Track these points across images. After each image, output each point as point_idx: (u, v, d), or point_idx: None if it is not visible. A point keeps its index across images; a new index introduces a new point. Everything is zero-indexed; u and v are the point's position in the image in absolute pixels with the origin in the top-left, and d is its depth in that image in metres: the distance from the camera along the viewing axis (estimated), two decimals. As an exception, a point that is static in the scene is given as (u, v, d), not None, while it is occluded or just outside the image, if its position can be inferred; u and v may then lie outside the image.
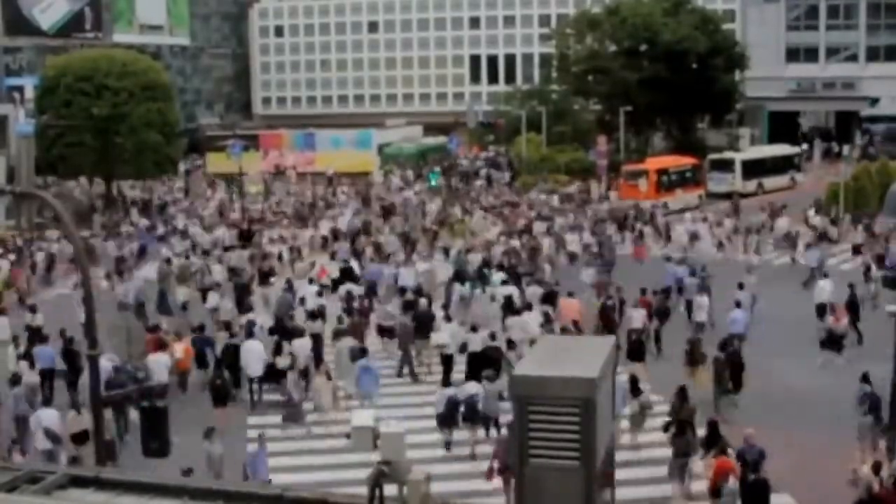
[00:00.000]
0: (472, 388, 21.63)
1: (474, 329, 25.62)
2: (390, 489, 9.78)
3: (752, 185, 59.88)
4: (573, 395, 7.60)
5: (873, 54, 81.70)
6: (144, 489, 8.89)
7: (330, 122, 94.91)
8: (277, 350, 25.06)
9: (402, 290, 31.52)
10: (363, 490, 9.85)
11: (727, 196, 56.56)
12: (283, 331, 26.65)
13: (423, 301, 28.93)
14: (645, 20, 69.95)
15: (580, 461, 7.59)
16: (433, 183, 64.50)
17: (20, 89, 68.83)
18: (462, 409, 21.20)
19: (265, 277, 35.13)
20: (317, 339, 26.46)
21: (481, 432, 21.37)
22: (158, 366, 23.85)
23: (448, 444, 21.36)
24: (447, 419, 21.32)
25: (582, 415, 7.57)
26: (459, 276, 33.32)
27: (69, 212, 34.15)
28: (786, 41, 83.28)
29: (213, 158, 74.51)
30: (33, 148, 56.18)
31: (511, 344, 24.66)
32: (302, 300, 29.63)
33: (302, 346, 25.22)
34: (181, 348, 25.53)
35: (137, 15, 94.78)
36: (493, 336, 25.24)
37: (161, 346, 25.12)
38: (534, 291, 30.39)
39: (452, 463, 20.31)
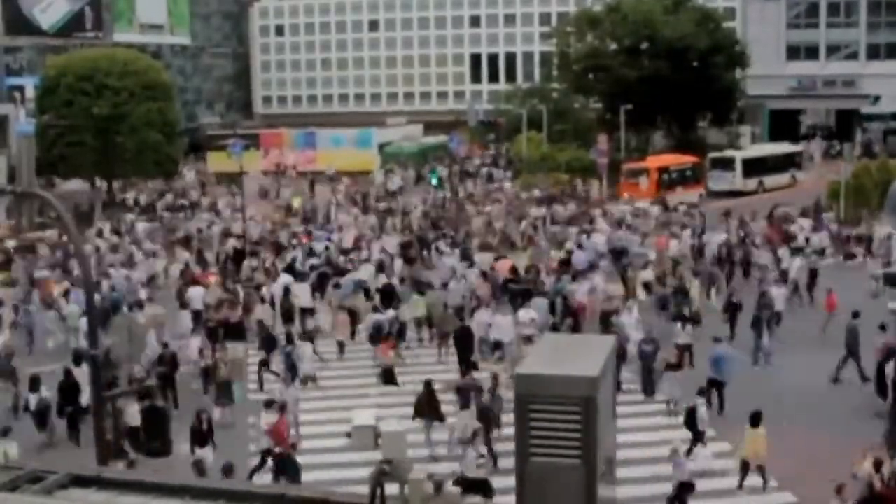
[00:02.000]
0: (392, 312, 29.09)
1: (381, 269, 34.21)
2: (392, 488, 9.80)
3: (752, 184, 59.91)
4: (574, 394, 7.61)
5: (874, 52, 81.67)
6: (146, 489, 8.89)
7: (331, 120, 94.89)
8: (286, 293, 31.11)
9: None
10: (365, 489, 9.87)
11: (728, 195, 56.70)
12: (295, 274, 33.69)
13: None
14: (645, 18, 69.95)
15: (581, 460, 7.60)
16: (434, 182, 64.55)
17: (21, 89, 68.87)
18: (387, 327, 27.87)
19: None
20: (322, 279, 33.05)
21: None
22: (194, 297, 30.67)
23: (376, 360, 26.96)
24: (375, 337, 27.45)
25: (583, 413, 7.58)
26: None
27: (70, 212, 34.18)
28: (786, 39, 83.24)
29: (214, 158, 74.56)
30: (34, 148, 56.20)
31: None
32: (311, 252, 38.02)
33: (302, 288, 31.42)
34: (214, 280, 33.62)
35: (138, 14, 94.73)
36: (389, 276, 33.69)
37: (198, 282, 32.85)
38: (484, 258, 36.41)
39: (453, 462, 20.31)
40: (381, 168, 73.01)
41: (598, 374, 7.76)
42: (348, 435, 21.28)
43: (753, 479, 19.59)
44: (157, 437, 19.75)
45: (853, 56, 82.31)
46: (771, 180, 61.03)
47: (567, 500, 7.63)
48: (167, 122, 60.11)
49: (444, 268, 34.93)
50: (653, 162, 59.15)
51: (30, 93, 66.00)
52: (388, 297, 31.00)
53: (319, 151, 75.79)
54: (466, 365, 24.94)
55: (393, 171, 70.99)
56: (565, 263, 34.88)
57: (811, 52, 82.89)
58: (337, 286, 31.73)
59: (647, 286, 32.95)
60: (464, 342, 26.36)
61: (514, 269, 33.97)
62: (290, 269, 34.79)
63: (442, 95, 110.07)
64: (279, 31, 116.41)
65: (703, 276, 33.51)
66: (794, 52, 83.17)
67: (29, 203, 51.47)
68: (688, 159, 59.84)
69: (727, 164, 61.05)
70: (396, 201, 56.61)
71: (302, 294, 30.97)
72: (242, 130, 77.82)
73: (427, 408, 21.22)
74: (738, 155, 62.94)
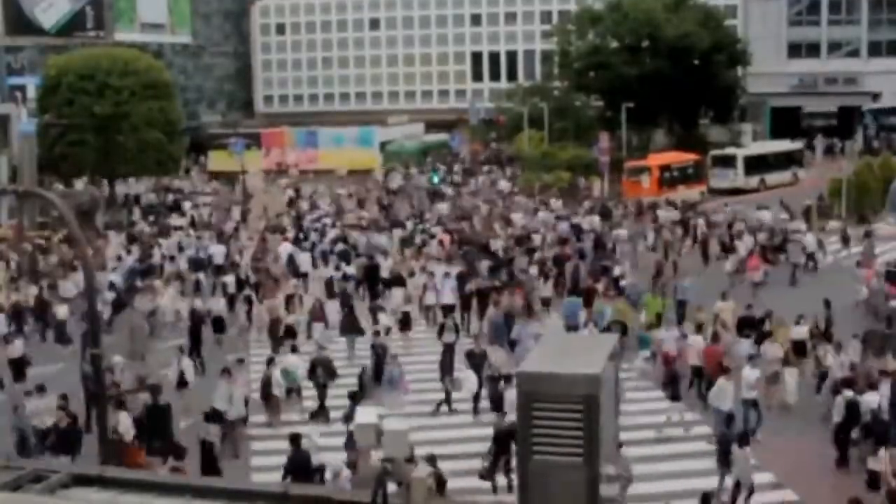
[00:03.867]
0: (350, 270, 35.60)
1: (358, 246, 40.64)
2: (394, 487, 9.78)
3: (754, 181, 59.88)
4: (577, 393, 7.61)
5: (875, 49, 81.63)
6: (147, 487, 8.90)
7: (332, 119, 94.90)
8: (290, 260, 37.56)
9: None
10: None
11: (730, 192, 56.64)
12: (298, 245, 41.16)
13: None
14: (646, 16, 69.91)
15: (583, 458, 7.59)
16: (435, 182, 64.55)
17: (22, 89, 68.75)
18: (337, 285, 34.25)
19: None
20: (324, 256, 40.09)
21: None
22: (216, 254, 38.80)
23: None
24: (329, 293, 33.32)
25: (585, 411, 7.57)
26: None
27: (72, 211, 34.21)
28: (787, 37, 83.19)
29: (216, 157, 74.62)
30: (35, 147, 56.16)
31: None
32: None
33: (304, 257, 37.93)
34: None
35: (139, 13, 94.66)
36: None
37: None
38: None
39: (455, 461, 20.28)
40: (382, 167, 73.01)
41: (600, 372, 7.76)
42: (350, 434, 21.24)
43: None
44: (160, 435, 19.75)
45: (854, 53, 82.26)
46: (772, 178, 60.98)
47: (569, 498, 7.62)
48: (168, 121, 60.08)
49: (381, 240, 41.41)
50: (654, 160, 59.11)
51: (31, 92, 65.95)
52: (346, 260, 37.59)
53: (321, 150, 75.85)
54: (373, 293, 33.72)
55: (395, 169, 70.99)
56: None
57: (812, 50, 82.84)
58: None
59: (798, 347, 24.18)
60: (369, 274, 35.01)
61: (460, 241, 40.70)
62: (296, 241, 41.78)
63: (443, 94, 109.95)
64: (280, 29, 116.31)
65: (873, 340, 23.82)
66: (795, 50, 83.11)
67: (31, 203, 51.44)
68: (689, 157, 59.80)
69: (728, 161, 61.00)
70: (397, 200, 56.64)
71: (303, 262, 37.29)
72: (244, 129, 77.93)
73: (349, 326, 28.15)
74: (740, 153, 62.87)
